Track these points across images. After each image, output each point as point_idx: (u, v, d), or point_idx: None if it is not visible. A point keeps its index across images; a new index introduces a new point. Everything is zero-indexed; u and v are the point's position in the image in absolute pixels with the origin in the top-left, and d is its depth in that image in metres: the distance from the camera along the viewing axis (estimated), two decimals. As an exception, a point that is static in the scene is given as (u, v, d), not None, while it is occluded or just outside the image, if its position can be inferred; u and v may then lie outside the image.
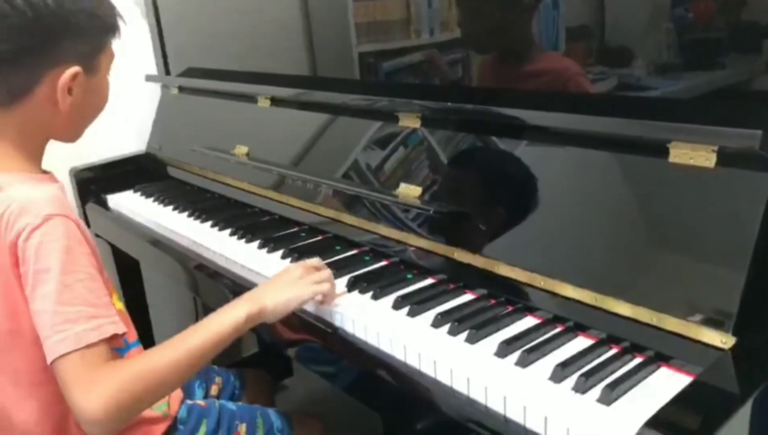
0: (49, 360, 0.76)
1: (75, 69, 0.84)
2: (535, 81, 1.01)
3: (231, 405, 1.11)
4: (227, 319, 0.87)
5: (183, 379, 0.85)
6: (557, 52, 0.97)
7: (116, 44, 0.95)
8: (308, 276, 0.96)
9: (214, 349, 0.85)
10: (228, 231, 1.31)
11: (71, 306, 0.76)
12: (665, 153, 0.78)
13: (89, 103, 0.89)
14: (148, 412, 0.95)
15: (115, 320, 0.79)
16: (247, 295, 0.92)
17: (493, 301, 0.94)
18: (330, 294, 0.97)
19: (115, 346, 0.82)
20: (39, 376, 0.83)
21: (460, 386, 0.78)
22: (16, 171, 0.86)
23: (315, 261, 1.01)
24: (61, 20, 0.82)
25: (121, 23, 0.91)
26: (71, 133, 0.92)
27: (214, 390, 1.22)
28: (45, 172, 0.91)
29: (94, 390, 0.74)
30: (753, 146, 0.69)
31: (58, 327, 0.75)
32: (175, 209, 1.49)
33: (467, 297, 0.96)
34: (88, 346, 0.75)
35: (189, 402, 1.06)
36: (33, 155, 0.89)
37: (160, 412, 0.99)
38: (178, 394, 1.05)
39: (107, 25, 0.88)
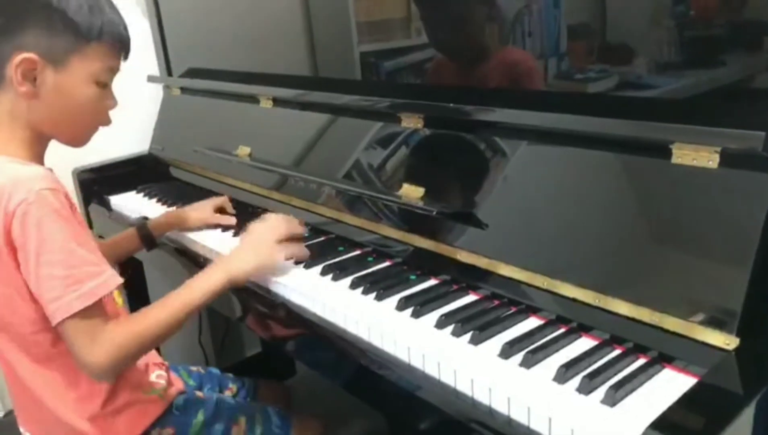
0: (56, 320, 0.84)
1: (28, 55, 0.87)
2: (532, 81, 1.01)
3: (230, 399, 1.13)
4: (206, 285, 0.98)
5: (170, 333, 0.95)
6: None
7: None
8: (271, 236, 1.06)
9: (194, 311, 0.97)
10: (231, 232, 1.31)
11: (76, 268, 0.85)
12: (668, 154, 0.78)
13: (64, 102, 0.92)
14: (141, 395, 1.01)
15: (113, 273, 0.88)
16: (221, 263, 1.03)
17: (496, 302, 0.94)
18: (300, 254, 1.07)
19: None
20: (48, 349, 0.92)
21: (464, 387, 0.78)
22: (11, 155, 0.91)
23: (283, 218, 1.12)
24: (27, 8, 0.88)
25: (120, 38, 0.95)
26: (64, 134, 0.96)
27: (227, 394, 1.23)
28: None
29: (98, 347, 0.85)
30: (756, 148, 0.69)
31: (66, 289, 0.83)
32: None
33: (471, 298, 0.96)
34: (86, 308, 0.84)
35: (188, 392, 1.08)
36: (27, 146, 0.93)
37: (156, 394, 1.03)
38: (178, 383, 1.07)
39: (84, 31, 0.90)
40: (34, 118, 0.92)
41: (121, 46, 0.96)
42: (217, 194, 1.56)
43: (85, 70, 0.92)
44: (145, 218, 1.40)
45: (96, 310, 0.86)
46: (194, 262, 1.29)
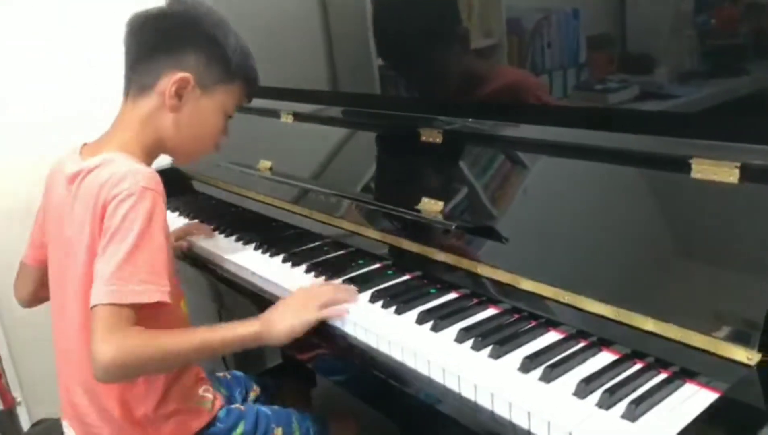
0: (92, 302, 0.87)
1: (187, 75, 0.99)
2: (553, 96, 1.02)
3: (267, 410, 1.15)
4: (238, 332, 0.96)
5: (180, 364, 0.98)
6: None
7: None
8: (313, 300, 1.00)
9: (217, 352, 0.99)
10: (252, 245, 1.33)
11: (133, 266, 0.88)
12: (688, 168, 0.78)
13: (193, 122, 1.03)
14: (191, 405, 1.04)
15: (163, 290, 0.90)
16: (263, 317, 0.99)
17: (516, 316, 0.94)
18: (339, 312, 0.99)
19: (149, 316, 0.90)
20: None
21: (484, 402, 0.79)
22: (129, 154, 0.99)
23: (333, 287, 1.06)
24: (195, 35, 1.01)
25: (254, 84, 1.10)
26: (180, 148, 1.06)
27: (252, 396, 1.25)
28: None
29: (110, 344, 0.85)
30: (775, 165, 0.69)
31: (114, 279, 0.87)
32: (200, 223, 1.51)
33: (491, 311, 0.97)
34: (125, 306, 0.86)
35: (230, 406, 1.12)
36: (146, 151, 1.02)
37: (205, 407, 1.06)
38: (218, 397, 1.09)
39: (233, 69, 1.04)
40: (163, 129, 1.02)
41: (252, 89, 1.10)
42: (238, 208, 1.59)
43: (223, 101, 1.05)
44: None
45: (128, 312, 0.87)
46: (214, 274, 1.31)
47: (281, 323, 0.97)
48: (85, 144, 1.05)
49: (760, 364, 0.69)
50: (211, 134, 1.07)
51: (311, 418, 1.16)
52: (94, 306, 0.86)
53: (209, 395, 1.08)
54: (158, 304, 0.89)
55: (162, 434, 1.01)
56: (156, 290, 0.89)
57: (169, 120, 1.01)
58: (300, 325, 0.97)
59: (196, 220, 1.51)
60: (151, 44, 1.00)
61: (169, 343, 0.91)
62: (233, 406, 1.12)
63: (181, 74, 0.99)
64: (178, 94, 1.00)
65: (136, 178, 0.91)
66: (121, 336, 0.86)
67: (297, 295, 1.02)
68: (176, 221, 1.57)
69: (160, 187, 0.95)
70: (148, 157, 1.03)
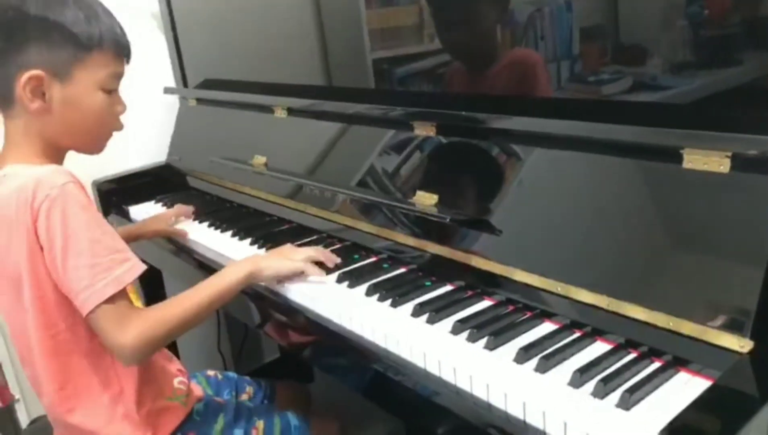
0: (88, 308, 0.87)
1: (34, 72, 0.89)
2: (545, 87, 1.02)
3: (248, 403, 1.14)
4: (231, 276, 1.02)
5: (198, 321, 0.98)
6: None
7: (135, 58, 1.01)
8: (296, 253, 1.09)
9: (222, 299, 1.01)
10: (248, 240, 1.33)
11: (104, 257, 0.88)
12: (679, 158, 0.79)
13: (75, 114, 0.94)
14: (166, 403, 1.03)
15: (138, 263, 0.92)
16: (247, 259, 1.07)
17: (511, 308, 0.95)
18: (316, 273, 1.08)
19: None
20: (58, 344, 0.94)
21: (479, 392, 0.79)
22: (32, 165, 0.93)
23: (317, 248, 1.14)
24: (25, 26, 0.89)
25: (119, 43, 0.96)
26: (79, 143, 0.99)
27: (244, 398, 1.25)
28: None
29: (129, 331, 0.88)
30: (766, 151, 0.69)
31: (96, 278, 0.86)
32: (195, 219, 1.51)
33: (485, 303, 0.97)
34: (113, 297, 0.87)
35: (208, 398, 1.09)
36: (45, 156, 0.95)
37: (179, 401, 1.05)
38: (197, 390, 1.09)
39: (84, 42, 0.92)
40: (48, 133, 0.94)
41: (121, 50, 0.97)
42: (232, 203, 1.59)
43: (90, 79, 0.94)
44: None
45: (124, 297, 0.89)
46: (211, 270, 1.31)
47: (268, 264, 1.06)
48: None
49: (751, 351, 0.70)
50: (100, 117, 0.96)
51: (293, 416, 1.16)
52: (91, 311, 0.87)
53: (183, 387, 1.07)
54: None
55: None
56: (136, 262, 0.91)
57: (48, 123, 0.93)
58: (285, 269, 1.06)
59: (172, 209, 1.54)
60: None
61: (177, 309, 0.95)
62: (211, 397, 1.12)
63: (28, 74, 0.89)
64: (38, 94, 0.91)
65: (50, 180, 0.87)
66: (133, 320, 0.88)
67: (282, 247, 1.13)
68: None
69: (75, 177, 0.91)
70: (54, 161, 0.96)
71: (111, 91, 0.97)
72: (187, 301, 0.96)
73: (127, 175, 1.80)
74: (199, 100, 1.81)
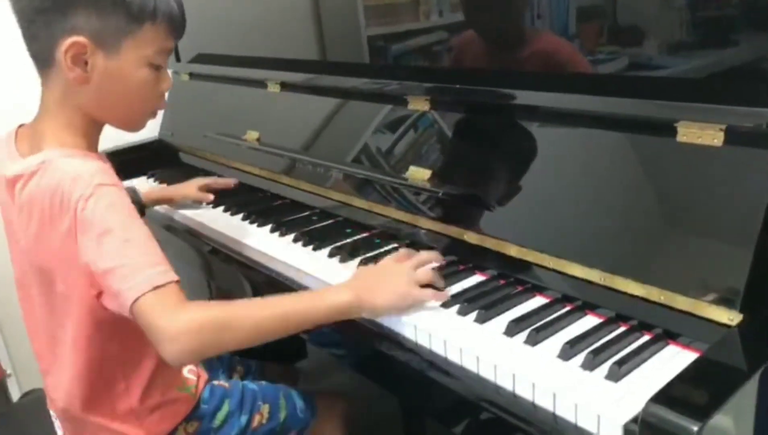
0: (128, 307, 0.79)
1: (78, 39, 0.84)
2: (538, 62, 1.01)
3: (253, 385, 1.12)
4: (326, 300, 0.88)
5: (261, 337, 0.84)
6: (553, 33, 0.97)
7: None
8: (414, 276, 0.91)
9: (302, 323, 0.86)
10: (240, 215, 1.32)
11: (136, 257, 0.80)
12: (673, 132, 0.79)
13: (113, 88, 0.88)
14: (175, 393, 1.00)
15: (173, 272, 0.82)
16: (356, 284, 0.90)
17: (502, 282, 0.95)
18: (440, 298, 0.91)
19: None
20: (81, 342, 0.89)
21: (469, 365, 0.79)
22: (68, 147, 0.88)
23: (426, 260, 0.97)
24: None
25: (174, 18, 0.90)
26: (118, 118, 0.93)
27: (235, 377, 1.25)
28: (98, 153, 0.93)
29: (179, 316, 0.78)
30: (760, 124, 0.69)
31: (129, 276, 0.79)
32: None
33: (477, 278, 0.97)
34: (162, 286, 0.79)
35: (213, 383, 1.08)
36: (84, 137, 0.90)
37: (188, 392, 1.02)
38: (203, 374, 1.08)
39: (136, 13, 0.86)
40: (86, 104, 0.89)
41: (175, 25, 0.91)
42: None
43: (139, 54, 0.88)
44: (133, 189, 1.41)
45: (174, 289, 0.80)
46: (205, 246, 1.31)
47: (380, 297, 0.88)
48: (20, 126, 0.95)
49: (740, 324, 0.70)
50: (144, 94, 0.91)
51: (298, 394, 1.15)
52: (134, 304, 0.78)
53: (193, 377, 1.04)
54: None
55: (145, 427, 0.96)
56: (170, 270, 0.81)
57: (85, 94, 0.87)
58: (397, 306, 0.88)
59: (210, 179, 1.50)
60: (32, 8, 0.84)
61: (242, 312, 0.83)
62: (216, 383, 1.08)
63: (71, 39, 0.83)
64: (79, 63, 0.85)
65: (84, 179, 0.82)
66: (185, 307, 0.79)
67: (392, 268, 0.93)
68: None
69: (114, 177, 0.86)
70: (89, 139, 0.91)
71: (158, 67, 0.91)
72: (256, 308, 0.84)
73: (119, 150, 1.77)
74: (192, 75, 1.79)
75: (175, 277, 0.81)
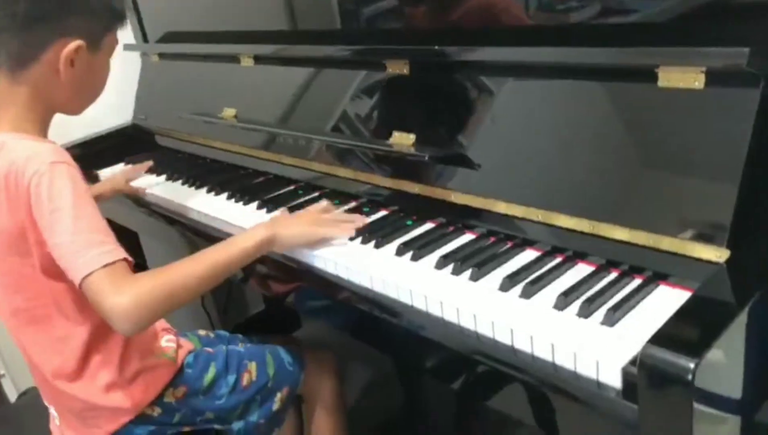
0: (77, 282, 0.84)
1: (79, 42, 0.91)
2: (510, 18, 1.00)
3: (239, 348, 1.15)
4: (246, 240, 0.96)
5: (203, 288, 0.93)
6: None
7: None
8: (324, 214, 1.05)
9: (232, 266, 0.95)
10: (224, 195, 1.31)
11: (87, 233, 0.85)
12: (654, 78, 0.79)
13: (89, 81, 0.97)
14: (155, 360, 1.02)
15: (122, 250, 0.87)
16: (264, 223, 1.01)
17: (492, 239, 0.96)
18: (344, 235, 1.02)
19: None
20: (49, 309, 0.94)
21: (467, 323, 0.81)
22: (24, 132, 0.92)
23: (329, 208, 1.10)
24: None
25: (125, 11, 1.00)
26: (74, 106, 0.99)
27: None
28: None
29: (125, 292, 0.83)
30: (740, 64, 0.69)
31: (81, 252, 0.83)
32: (168, 178, 1.49)
33: (467, 237, 0.98)
34: (110, 264, 0.84)
35: (197, 349, 1.10)
36: (41, 124, 0.95)
37: (167, 358, 1.04)
38: (187, 344, 1.09)
39: (117, 12, 0.97)
40: (58, 97, 0.95)
41: (125, 19, 1.01)
42: (205, 159, 1.57)
43: (111, 49, 0.98)
44: None
45: (122, 266, 0.85)
46: (188, 228, 1.30)
47: (292, 229, 1.00)
48: None
49: (728, 260, 0.71)
50: (104, 82, 1.00)
51: (285, 350, 1.17)
52: (83, 281, 0.83)
53: (172, 344, 1.07)
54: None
55: (131, 396, 0.99)
56: (117, 249, 0.86)
57: (62, 86, 0.93)
58: (311, 234, 1.00)
59: (129, 166, 1.54)
60: (28, 16, 0.89)
61: (180, 273, 0.89)
62: (201, 348, 1.11)
63: (74, 44, 0.90)
64: (71, 60, 0.91)
65: (39, 157, 0.86)
66: (130, 282, 0.84)
67: (308, 209, 1.09)
68: (145, 178, 1.54)
69: (68, 157, 0.90)
70: (42, 126, 0.96)
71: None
72: (191, 266, 0.91)
73: (93, 138, 1.75)
74: (162, 55, 1.76)
75: (123, 255, 0.85)
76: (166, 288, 0.86)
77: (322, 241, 1.01)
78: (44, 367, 0.98)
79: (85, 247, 0.84)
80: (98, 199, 1.33)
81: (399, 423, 1.62)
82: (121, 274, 0.84)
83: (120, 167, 1.66)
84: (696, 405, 0.58)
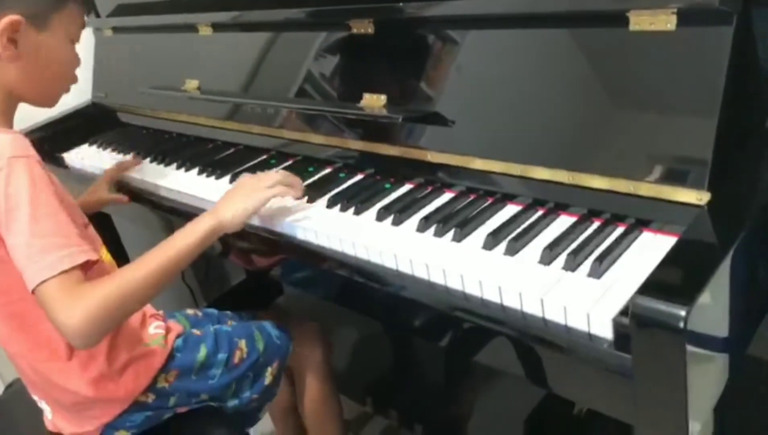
0: (30, 289, 0.81)
1: (14, 17, 0.86)
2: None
3: (226, 327, 1.15)
4: (192, 234, 0.93)
5: (156, 291, 0.89)
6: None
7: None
8: (260, 182, 1.00)
9: (182, 262, 0.92)
10: (195, 170, 1.28)
11: (42, 238, 0.81)
12: (625, 22, 0.77)
13: (44, 63, 0.92)
14: (143, 349, 1.01)
15: (84, 249, 0.83)
16: (208, 212, 0.98)
17: (472, 196, 0.95)
18: (289, 193, 1.01)
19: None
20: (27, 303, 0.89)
21: (454, 284, 0.80)
22: None
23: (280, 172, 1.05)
24: None
25: (80, 3, 0.96)
26: (39, 94, 0.96)
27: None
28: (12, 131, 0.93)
29: (75, 306, 0.80)
30: (712, 2, 0.68)
31: (34, 257, 0.81)
32: (136, 156, 1.44)
33: (447, 196, 0.97)
34: (63, 272, 0.80)
35: (186, 332, 1.09)
36: (1, 115, 0.92)
37: (157, 344, 1.03)
38: (176, 327, 1.08)
39: None
40: (11, 81, 0.91)
41: (86, 5, 0.98)
42: (171, 134, 1.52)
43: (65, 29, 0.93)
44: None
45: (73, 276, 0.82)
46: (162, 208, 1.27)
47: (233, 208, 0.96)
48: None
49: (709, 202, 0.72)
50: (67, 69, 0.97)
51: (271, 325, 1.17)
52: (35, 289, 0.80)
53: (161, 331, 1.05)
54: (85, 265, 0.83)
55: (123, 386, 0.98)
56: (78, 251, 0.83)
57: (13, 71, 0.89)
58: (252, 205, 0.97)
59: (120, 158, 1.47)
60: None
61: (129, 279, 0.85)
62: (189, 331, 1.10)
63: (7, 19, 0.85)
64: (12, 41, 0.87)
65: None
66: (79, 296, 0.80)
67: (241, 181, 1.03)
68: (111, 158, 1.50)
69: (31, 150, 0.87)
70: (5, 117, 0.93)
71: (75, 43, 0.96)
72: (139, 271, 0.87)
73: (53, 120, 1.69)
74: (115, 30, 1.68)
75: (80, 260, 0.82)
76: (117, 298, 0.83)
77: (268, 203, 1.00)
78: (30, 361, 0.96)
79: (40, 252, 0.80)
80: (87, 211, 1.28)
81: (390, 384, 1.64)
82: (73, 285, 0.81)
83: (85, 149, 1.61)
84: (689, 347, 0.59)
